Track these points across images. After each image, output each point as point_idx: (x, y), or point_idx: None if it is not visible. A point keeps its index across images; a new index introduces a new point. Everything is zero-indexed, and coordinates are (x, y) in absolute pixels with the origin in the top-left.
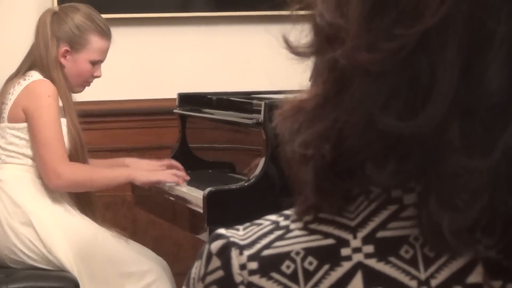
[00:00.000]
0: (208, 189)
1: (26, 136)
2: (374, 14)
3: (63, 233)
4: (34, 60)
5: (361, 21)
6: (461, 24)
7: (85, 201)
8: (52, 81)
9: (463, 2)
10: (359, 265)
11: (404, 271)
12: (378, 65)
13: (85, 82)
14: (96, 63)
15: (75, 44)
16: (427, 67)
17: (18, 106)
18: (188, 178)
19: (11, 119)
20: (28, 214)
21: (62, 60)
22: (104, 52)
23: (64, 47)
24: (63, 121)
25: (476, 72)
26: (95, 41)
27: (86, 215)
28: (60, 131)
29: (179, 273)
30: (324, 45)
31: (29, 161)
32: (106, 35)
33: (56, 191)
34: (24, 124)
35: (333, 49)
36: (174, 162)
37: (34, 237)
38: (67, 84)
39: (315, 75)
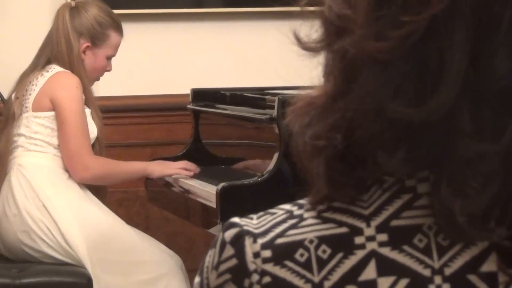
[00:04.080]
0: (221, 185)
1: (51, 125)
2: (381, 3)
3: (78, 221)
4: (52, 54)
5: (369, 10)
6: (469, 9)
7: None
8: (74, 73)
9: None
10: (372, 254)
11: (418, 260)
12: (387, 53)
13: (98, 77)
14: (110, 58)
15: (96, 40)
16: (435, 53)
17: (44, 96)
18: (197, 170)
19: (36, 108)
20: (44, 199)
21: (81, 55)
22: (118, 47)
23: (85, 43)
24: (88, 111)
25: (485, 57)
26: (113, 37)
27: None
28: (86, 123)
29: (192, 269)
30: (333, 37)
31: (53, 150)
32: (121, 30)
33: (79, 182)
34: (50, 113)
35: (342, 40)
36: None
37: (49, 222)
38: (88, 78)
39: (327, 72)
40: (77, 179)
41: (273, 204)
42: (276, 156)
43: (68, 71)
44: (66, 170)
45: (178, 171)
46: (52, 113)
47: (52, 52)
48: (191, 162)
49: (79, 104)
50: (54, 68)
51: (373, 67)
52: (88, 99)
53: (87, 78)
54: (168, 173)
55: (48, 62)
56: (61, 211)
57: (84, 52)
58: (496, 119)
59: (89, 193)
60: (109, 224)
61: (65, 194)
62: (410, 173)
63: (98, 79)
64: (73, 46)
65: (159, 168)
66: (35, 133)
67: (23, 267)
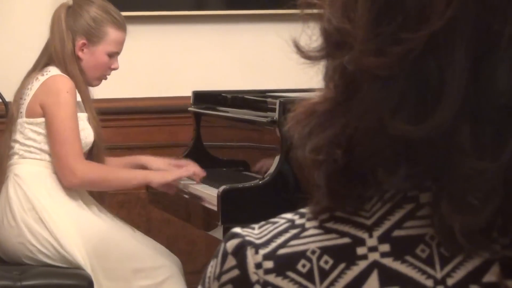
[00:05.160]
0: (222, 187)
1: (44, 131)
2: (381, 19)
3: (77, 230)
4: (50, 55)
5: (368, 26)
6: (468, 26)
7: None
8: (69, 75)
9: (469, 4)
10: (375, 264)
11: (420, 270)
12: (386, 69)
13: (103, 75)
14: (113, 55)
15: (92, 36)
16: (435, 70)
17: (36, 102)
18: (204, 173)
19: (29, 114)
20: (41, 211)
21: (80, 53)
22: (121, 44)
23: (81, 40)
24: (84, 115)
25: (485, 74)
26: (112, 33)
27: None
28: (76, 128)
29: (192, 272)
30: (333, 50)
31: (47, 157)
32: (122, 26)
33: (69, 188)
34: (42, 119)
35: (341, 54)
36: (190, 162)
37: (47, 234)
38: (84, 78)
39: (326, 79)
40: (66, 185)
41: (274, 207)
42: (277, 158)
43: (62, 74)
44: None
45: (179, 175)
46: (44, 119)
47: (50, 52)
48: (197, 167)
49: (67, 109)
50: (49, 72)
51: (372, 83)
52: (84, 101)
53: (87, 77)
54: (170, 179)
55: (47, 63)
56: (59, 222)
57: (81, 50)
58: (496, 136)
59: (89, 199)
60: (109, 232)
61: (63, 203)
62: (410, 187)
63: (104, 78)
64: (65, 44)
65: (160, 175)
66: (28, 139)
67: (24, 269)
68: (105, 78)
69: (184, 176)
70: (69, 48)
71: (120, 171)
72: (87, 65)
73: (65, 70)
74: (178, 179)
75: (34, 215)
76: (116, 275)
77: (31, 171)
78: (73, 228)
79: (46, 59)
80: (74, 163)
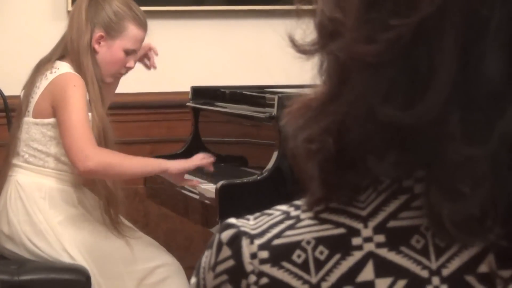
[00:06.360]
0: (220, 183)
1: (49, 132)
2: (371, 6)
3: (74, 241)
4: (65, 46)
5: (358, 13)
6: (457, 12)
7: (109, 201)
8: (81, 67)
9: None
10: (370, 255)
11: (416, 261)
12: (376, 56)
13: (117, 72)
14: (130, 53)
15: (111, 30)
16: (425, 57)
17: (43, 102)
18: (212, 159)
19: (36, 115)
20: (37, 224)
21: (96, 46)
22: (139, 42)
23: (99, 33)
24: (90, 116)
25: (473, 60)
26: (131, 29)
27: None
28: (86, 119)
29: (190, 267)
30: (326, 40)
31: (52, 163)
32: (143, 25)
33: (85, 175)
34: (49, 120)
35: (335, 45)
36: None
37: (36, 248)
38: (98, 73)
39: (321, 74)
40: (82, 170)
41: (273, 202)
42: (275, 154)
43: (69, 72)
44: (68, 185)
45: (198, 163)
46: (51, 120)
47: (66, 42)
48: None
49: (74, 101)
50: (58, 69)
51: (362, 71)
52: (91, 101)
53: (101, 73)
54: (187, 166)
55: (62, 55)
56: (54, 236)
57: (98, 42)
58: (485, 122)
59: (89, 204)
60: (108, 239)
61: (60, 213)
62: (399, 177)
63: (118, 76)
64: (83, 35)
65: (177, 162)
66: (33, 141)
67: (22, 264)
68: (119, 76)
69: (203, 163)
70: (86, 40)
71: (135, 157)
72: (103, 59)
73: (78, 62)
74: (197, 166)
75: (26, 229)
76: (114, 278)
77: (35, 181)
78: (69, 241)
79: (61, 50)
80: (85, 146)
